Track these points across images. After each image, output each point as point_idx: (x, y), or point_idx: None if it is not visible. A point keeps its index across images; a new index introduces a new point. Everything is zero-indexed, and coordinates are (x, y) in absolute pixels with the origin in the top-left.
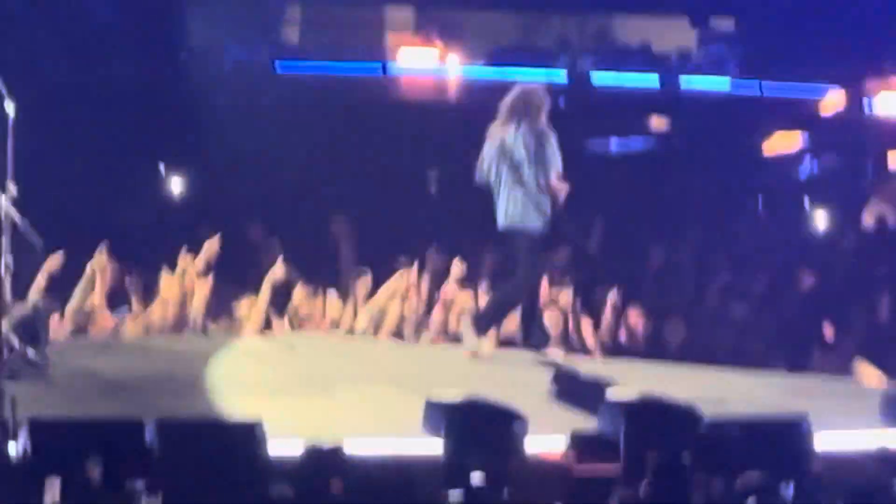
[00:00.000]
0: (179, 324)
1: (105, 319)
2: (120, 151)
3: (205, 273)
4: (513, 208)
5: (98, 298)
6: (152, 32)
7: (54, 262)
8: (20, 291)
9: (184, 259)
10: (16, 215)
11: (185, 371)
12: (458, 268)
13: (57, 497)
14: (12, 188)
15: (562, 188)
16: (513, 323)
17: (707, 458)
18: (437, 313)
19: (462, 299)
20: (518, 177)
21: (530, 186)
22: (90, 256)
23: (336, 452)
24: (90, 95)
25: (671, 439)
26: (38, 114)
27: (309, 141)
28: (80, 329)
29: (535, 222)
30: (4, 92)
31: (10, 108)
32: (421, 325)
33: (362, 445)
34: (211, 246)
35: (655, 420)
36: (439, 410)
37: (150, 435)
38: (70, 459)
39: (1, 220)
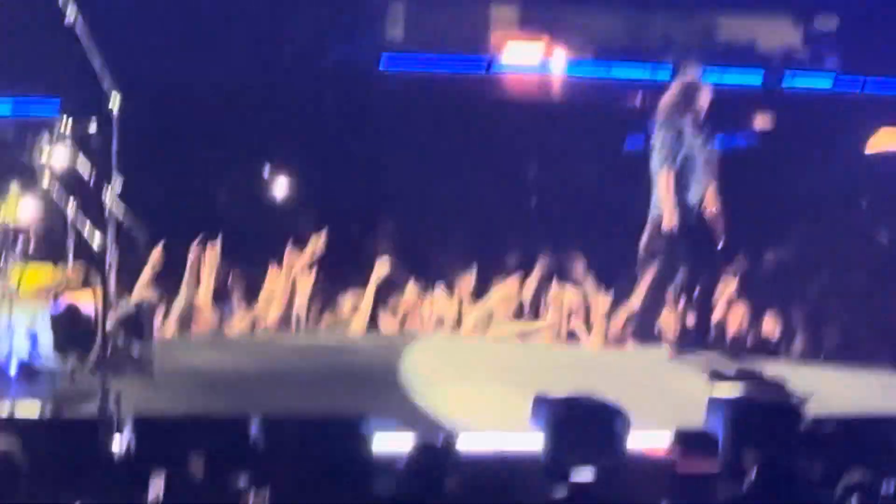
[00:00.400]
0: (285, 320)
1: (210, 315)
2: (225, 148)
3: (310, 269)
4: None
5: (204, 294)
6: (258, 29)
7: (159, 257)
8: (125, 287)
9: (289, 255)
10: (121, 209)
11: (291, 367)
12: (572, 265)
13: (161, 494)
14: (118, 183)
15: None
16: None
17: (810, 456)
18: (549, 312)
19: (573, 299)
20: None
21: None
22: (196, 253)
23: (446, 449)
24: (195, 91)
25: (774, 437)
26: (144, 109)
27: (413, 138)
28: (186, 325)
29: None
30: (111, 85)
31: (115, 102)
32: (529, 323)
33: (471, 442)
34: (316, 242)
35: (759, 417)
36: (546, 407)
37: (254, 431)
38: (174, 456)
39: (106, 215)
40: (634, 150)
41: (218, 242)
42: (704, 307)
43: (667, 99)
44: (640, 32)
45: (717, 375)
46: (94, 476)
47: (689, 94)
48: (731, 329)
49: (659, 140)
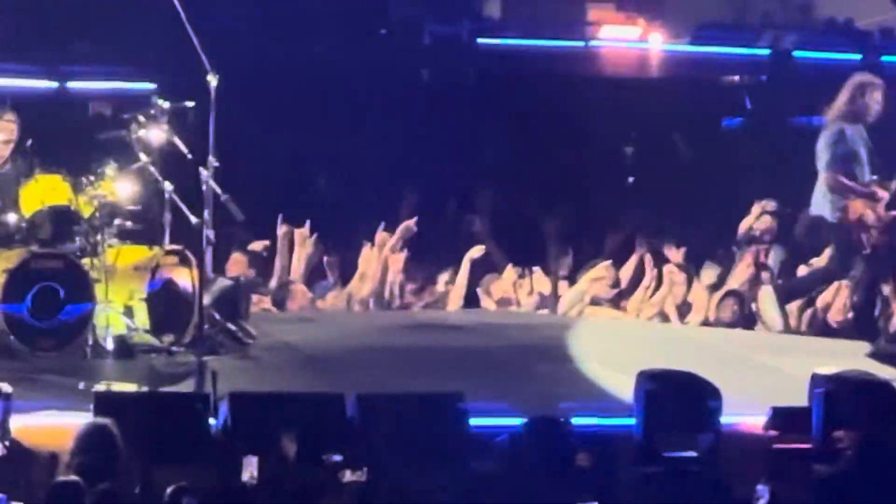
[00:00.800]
0: (379, 298)
1: (305, 293)
2: (320, 127)
3: (402, 249)
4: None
5: (298, 272)
6: (353, 7)
7: (255, 237)
8: (221, 265)
9: (381, 234)
10: (217, 189)
11: (385, 344)
12: (669, 245)
13: (255, 471)
14: (214, 162)
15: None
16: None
17: None
18: (647, 291)
19: (671, 277)
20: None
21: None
22: (291, 231)
23: (552, 425)
24: (291, 71)
25: (871, 416)
26: (240, 88)
27: (508, 117)
28: (280, 303)
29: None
30: (208, 66)
31: (213, 81)
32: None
33: (573, 418)
34: (408, 222)
35: (857, 396)
36: (645, 384)
37: (350, 409)
38: (270, 433)
39: (203, 194)
40: (732, 128)
41: (307, 222)
42: (869, 299)
43: (840, 99)
44: (739, 12)
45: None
46: (190, 452)
47: (861, 93)
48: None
49: (825, 140)
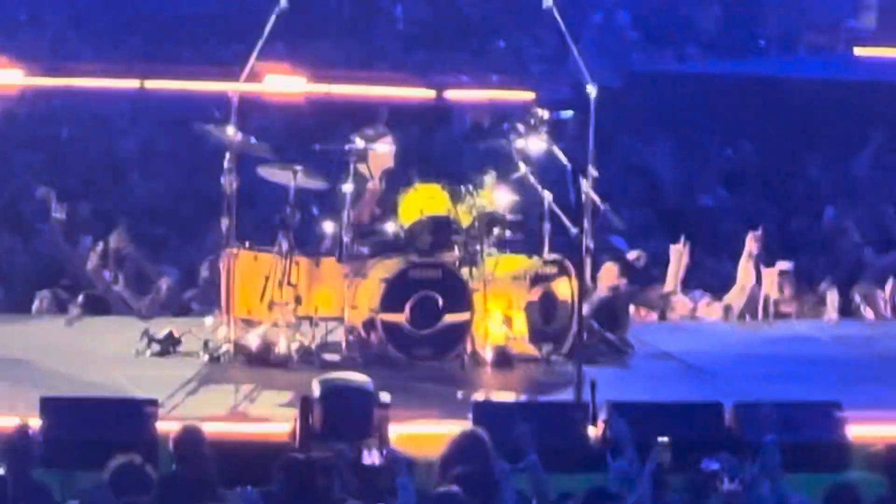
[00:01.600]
0: (752, 307)
1: (685, 304)
2: (697, 138)
3: (766, 258)
4: None
5: (674, 282)
6: (731, 18)
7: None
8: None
9: (750, 242)
10: (597, 199)
11: (760, 353)
12: None
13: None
14: (593, 172)
15: None
16: None
17: None
18: None
19: None
20: None
21: None
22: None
23: None
24: (665, 83)
25: None
26: (619, 101)
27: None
28: (662, 313)
29: None
30: (587, 77)
31: (592, 92)
32: None
33: None
34: (754, 234)
35: None
36: None
37: (728, 417)
38: (648, 441)
39: (583, 204)
40: None
41: (682, 235)
42: None
43: None
44: None
45: None
46: (570, 462)
47: None
48: None
49: None
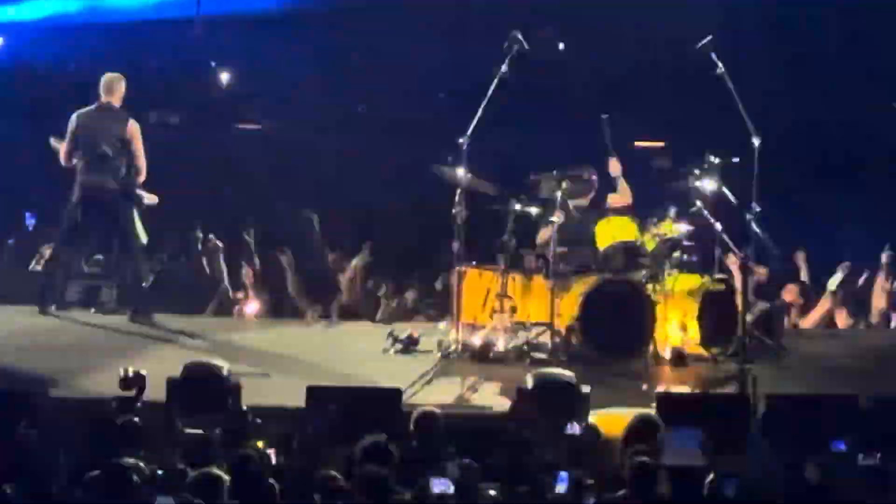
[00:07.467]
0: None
1: (846, 315)
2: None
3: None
4: None
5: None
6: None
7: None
8: (760, 290)
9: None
10: (758, 230)
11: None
12: None
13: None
14: (756, 208)
15: None
16: None
17: None
18: None
19: None
20: None
21: None
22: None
23: None
24: (822, 131)
25: None
26: (778, 147)
27: None
28: (822, 321)
29: None
30: (752, 128)
31: (756, 142)
32: None
33: None
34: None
35: None
36: None
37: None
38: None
39: (749, 234)
40: None
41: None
42: None
43: None
44: None
45: None
46: (734, 446)
47: None
48: None
49: None
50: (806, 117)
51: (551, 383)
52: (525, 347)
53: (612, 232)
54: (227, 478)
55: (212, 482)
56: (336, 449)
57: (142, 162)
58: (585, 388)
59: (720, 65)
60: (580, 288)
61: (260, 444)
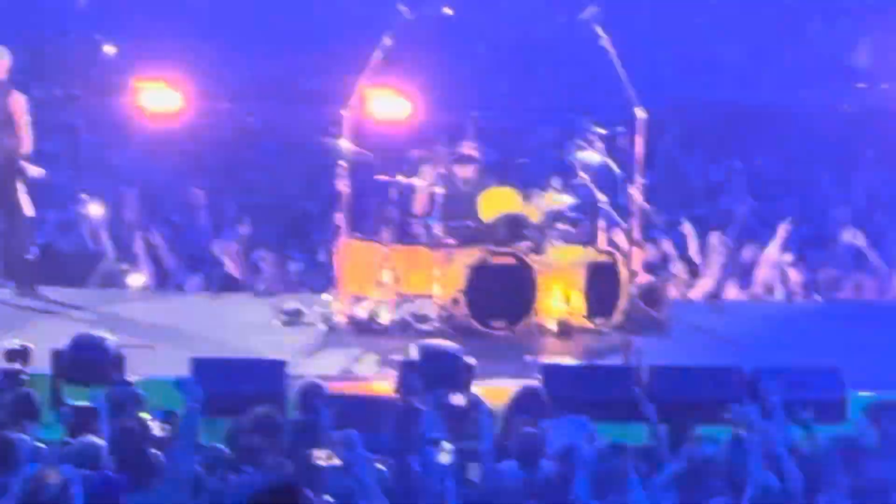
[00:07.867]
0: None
1: (714, 286)
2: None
3: None
4: None
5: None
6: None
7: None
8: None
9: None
10: (642, 202)
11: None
12: None
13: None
14: (640, 180)
15: None
16: None
17: None
18: None
19: None
20: None
21: None
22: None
23: None
24: (708, 105)
25: None
26: (663, 120)
27: None
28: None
29: None
30: (636, 101)
31: (640, 114)
32: None
33: None
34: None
35: None
36: None
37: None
38: (685, 399)
39: (629, 206)
40: None
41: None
42: None
43: None
44: None
45: None
46: (619, 414)
47: None
48: None
49: None
50: (692, 92)
51: (436, 354)
52: (410, 319)
53: (496, 203)
54: (103, 444)
55: (90, 451)
56: (220, 420)
57: (25, 134)
58: (470, 360)
59: (603, 35)
60: (464, 259)
61: (145, 415)
